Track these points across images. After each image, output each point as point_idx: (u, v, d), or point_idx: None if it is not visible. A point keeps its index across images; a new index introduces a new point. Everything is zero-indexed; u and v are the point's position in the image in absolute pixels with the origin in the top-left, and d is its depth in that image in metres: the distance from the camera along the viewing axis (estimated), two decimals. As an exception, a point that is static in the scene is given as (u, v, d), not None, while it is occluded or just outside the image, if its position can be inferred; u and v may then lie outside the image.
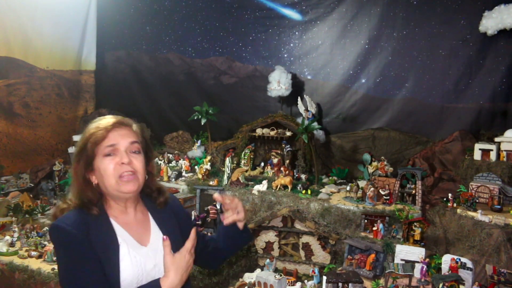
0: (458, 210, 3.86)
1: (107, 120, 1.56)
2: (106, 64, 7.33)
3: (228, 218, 1.78)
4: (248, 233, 1.89)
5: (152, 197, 1.71)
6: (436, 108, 5.33)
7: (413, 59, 5.38)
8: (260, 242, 4.34)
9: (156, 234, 1.64)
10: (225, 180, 4.95)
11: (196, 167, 5.39)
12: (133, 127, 1.62)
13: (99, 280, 1.42)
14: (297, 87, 5.89)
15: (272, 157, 5.22)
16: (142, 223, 1.64)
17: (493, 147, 4.40)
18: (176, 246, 1.62)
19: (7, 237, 4.15)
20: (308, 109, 5.56)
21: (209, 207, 4.54)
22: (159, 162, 5.82)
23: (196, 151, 5.81)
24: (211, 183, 4.91)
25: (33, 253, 3.86)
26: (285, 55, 6.13)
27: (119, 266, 1.47)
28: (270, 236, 4.31)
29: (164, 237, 1.53)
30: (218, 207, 4.53)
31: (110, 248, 1.48)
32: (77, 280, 1.41)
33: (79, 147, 1.54)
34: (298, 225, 4.18)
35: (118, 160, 1.51)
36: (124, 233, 1.55)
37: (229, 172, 4.97)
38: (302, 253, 4.20)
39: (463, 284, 3.14)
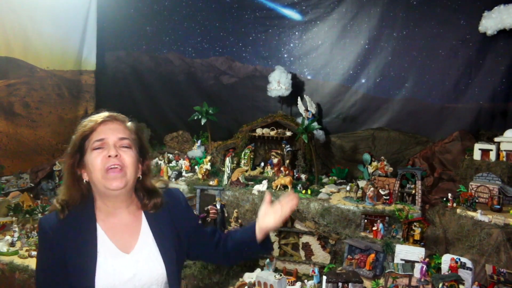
0: (458, 210, 3.86)
1: (100, 114, 1.55)
2: (106, 64, 7.33)
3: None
4: (267, 246, 1.71)
5: (141, 199, 1.63)
6: (436, 108, 5.33)
7: (413, 59, 5.39)
8: (260, 242, 4.34)
9: (143, 240, 1.56)
10: (225, 180, 4.96)
11: (196, 167, 5.39)
12: (127, 124, 1.59)
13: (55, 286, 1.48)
14: (297, 87, 5.89)
15: (272, 157, 5.22)
16: (130, 227, 1.57)
17: (492, 147, 4.40)
18: (168, 252, 1.58)
19: (8, 237, 4.15)
20: (308, 109, 5.57)
21: (209, 207, 4.55)
22: (159, 162, 5.82)
23: (196, 151, 5.81)
24: (211, 183, 4.92)
25: (34, 253, 3.86)
26: (285, 55, 6.13)
27: (95, 275, 1.44)
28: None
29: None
30: (218, 207, 4.54)
31: (87, 256, 1.46)
32: (38, 277, 1.54)
33: (72, 142, 1.53)
34: (298, 225, 4.19)
35: (106, 154, 1.47)
36: (106, 240, 1.51)
37: (229, 172, 4.97)
38: (302, 253, 4.21)
39: (463, 284, 3.15)
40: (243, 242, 1.68)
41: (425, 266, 3.28)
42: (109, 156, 1.47)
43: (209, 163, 5.23)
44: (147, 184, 1.63)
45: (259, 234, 1.64)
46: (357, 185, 4.47)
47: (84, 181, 1.52)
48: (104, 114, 1.55)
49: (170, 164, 5.72)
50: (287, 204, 1.65)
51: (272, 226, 1.64)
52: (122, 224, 1.56)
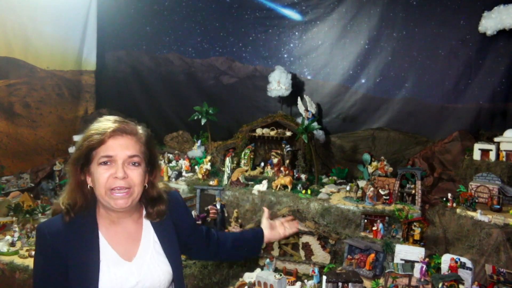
0: (458, 210, 3.86)
1: (109, 124, 1.45)
2: (106, 64, 7.33)
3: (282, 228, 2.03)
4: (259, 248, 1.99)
5: (145, 206, 1.61)
6: (436, 108, 5.33)
7: (413, 59, 5.39)
8: (260, 242, 4.34)
9: (145, 247, 1.55)
10: (225, 180, 4.96)
11: (196, 167, 5.40)
12: (138, 134, 1.50)
13: None
14: (297, 87, 5.89)
15: (272, 157, 5.22)
16: (132, 234, 1.55)
17: (492, 147, 4.40)
18: (173, 256, 1.58)
19: (8, 237, 4.16)
20: (308, 109, 5.57)
21: (209, 207, 4.55)
22: (159, 162, 5.81)
23: (196, 151, 5.82)
24: (211, 183, 4.92)
25: (34, 253, 3.86)
26: (285, 55, 6.14)
27: (98, 284, 1.41)
28: (270, 236, 4.31)
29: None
30: (218, 207, 4.54)
31: (89, 264, 1.42)
32: (37, 285, 1.48)
33: (78, 147, 1.47)
34: (298, 225, 4.18)
35: (113, 173, 1.42)
36: (108, 248, 1.48)
37: (229, 172, 4.97)
38: (302, 253, 4.21)
39: (463, 284, 3.15)
40: (249, 245, 1.92)
41: (425, 266, 3.28)
42: (116, 177, 1.42)
43: (209, 163, 5.23)
44: (153, 193, 1.59)
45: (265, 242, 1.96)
46: (357, 185, 4.47)
47: (88, 186, 1.48)
48: (114, 125, 1.45)
49: (170, 164, 5.73)
50: (290, 228, 2.07)
51: (278, 239, 2.13)
52: (125, 232, 1.54)
